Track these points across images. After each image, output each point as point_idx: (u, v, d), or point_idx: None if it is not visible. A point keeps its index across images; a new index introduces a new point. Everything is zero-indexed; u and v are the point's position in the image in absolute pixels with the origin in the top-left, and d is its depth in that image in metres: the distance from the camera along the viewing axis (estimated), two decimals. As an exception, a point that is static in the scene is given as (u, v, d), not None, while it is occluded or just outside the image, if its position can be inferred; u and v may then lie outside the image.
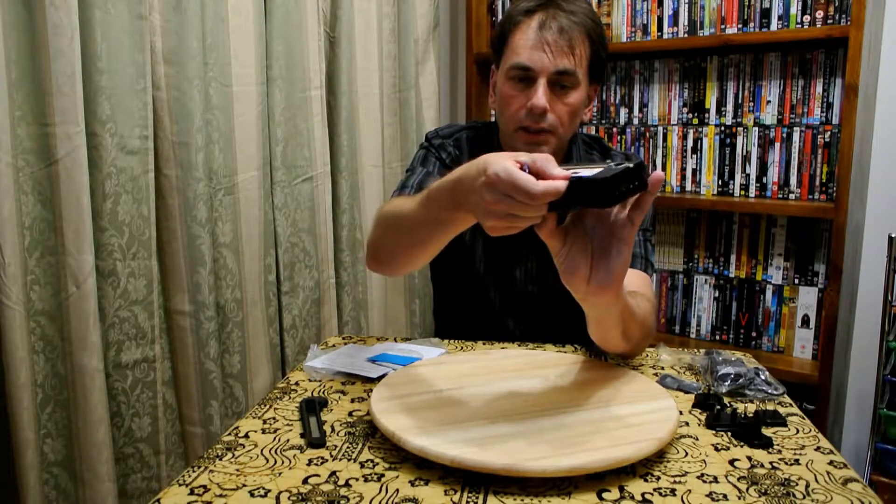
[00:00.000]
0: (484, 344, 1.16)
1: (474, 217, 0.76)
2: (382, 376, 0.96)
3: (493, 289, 1.25)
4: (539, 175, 0.69)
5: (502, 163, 0.70)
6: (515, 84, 1.11)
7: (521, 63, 1.09)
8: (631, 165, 0.69)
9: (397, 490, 0.68)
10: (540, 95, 1.08)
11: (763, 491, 0.68)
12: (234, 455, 0.76)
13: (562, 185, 0.68)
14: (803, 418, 0.87)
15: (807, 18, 1.70)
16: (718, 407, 0.85)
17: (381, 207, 1.07)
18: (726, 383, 0.94)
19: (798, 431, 0.83)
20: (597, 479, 0.69)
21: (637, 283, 1.09)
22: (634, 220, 0.74)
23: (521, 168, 0.70)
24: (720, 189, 1.88)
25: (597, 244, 0.76)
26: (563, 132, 1.13)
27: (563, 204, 0.70)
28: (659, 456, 0.75)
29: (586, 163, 0.73)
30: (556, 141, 1.13)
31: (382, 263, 1.07)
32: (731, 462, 0.74)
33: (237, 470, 0.73)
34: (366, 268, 1.81)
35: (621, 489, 0.68)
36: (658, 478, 0.71)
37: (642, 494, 0.67)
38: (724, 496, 0.67)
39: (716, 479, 0.70)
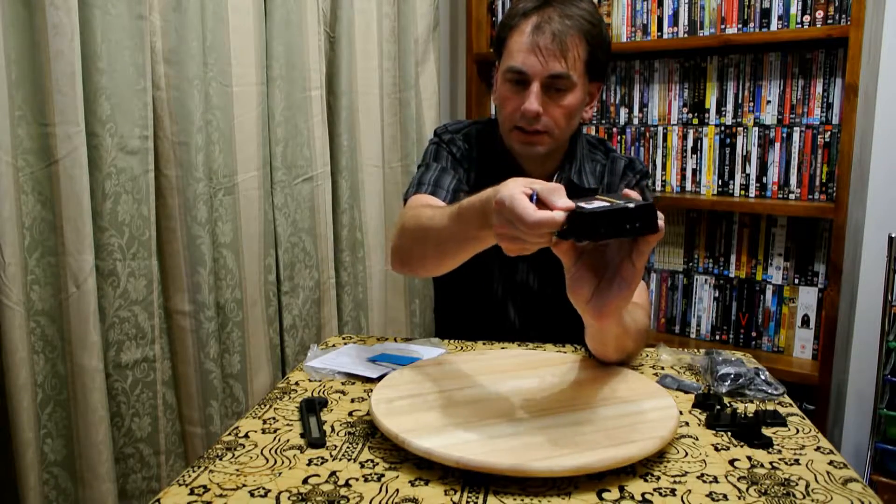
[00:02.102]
0: (484, 344, 1.16)
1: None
2: (382, 376, 0.96)
3: (495, 278, 1.26)
4: (545, 204, 0.72)
5: (510, 189, 0.73)
6: (511, 86, 1.13)
7: (516, 67, 1.11)
8: (631, 206, 0.70)
9: (397, 490, 0.68)
10: (532, 100, 1.10)
11: (763, 491, 0.68)
12: (234, 455, 0.76)
13: (559, 216, 0.70)
14: (803, 418, 0.87)
15: (807, 18, 1.70)
16: (718, 407, 0.85)
17: (406, 213, 1.08)
18: (726, 383, 0.94)
19: (798, 431, 0.83)
20: (596, 479, 0.69)
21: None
22: (636, 263, 0.76)
23: (531, 196, 0.72)
24: (720, 189, 1.88)
25: (608, 274, 0.78)
26: (558, 133, 1.15)
27: (566, 233, 0.72)
28: (659, 456, 0.75)
29: (611, 194, 0.74)
30: (551, 141, 1.15)
31: (409, 267, 1.08)
32: (731, 462, 0.74)
33: (237, 470, 0.73)
34: (366, 268, 1.81)
35: (621, 489, 0.68)
36: (658, 478, 0.71)
37: (642, 494, 0.67)
38: (724, 496, 0.67)
39: (716, 479, 0.70)
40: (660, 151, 1.95)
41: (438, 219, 0.93)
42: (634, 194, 0.75)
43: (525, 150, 1.16)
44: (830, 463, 0.75)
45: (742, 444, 0.79)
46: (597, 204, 0.71)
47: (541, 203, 0.72)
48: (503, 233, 0.75)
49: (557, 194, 0.72)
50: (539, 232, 0.71)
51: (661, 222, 0.72)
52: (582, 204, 0.72)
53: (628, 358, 1.03)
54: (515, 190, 0.72)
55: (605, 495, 0.67)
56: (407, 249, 1.05)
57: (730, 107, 1.84)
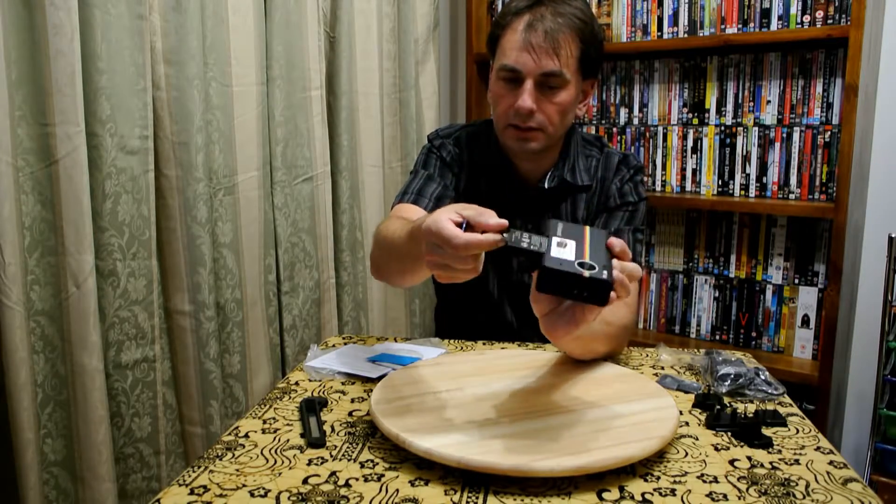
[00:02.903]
0: (484, 344, 1.16)
1: None
2: (382, 376, 0.96)
3: (491, 278, 1.27)
4: (477, 229, 0.73)
5: (436, 216, 0.74)
6: (505, 84, 1.15)
7: (509, 65, 1.12)
8: (586, 276, 0.69)
9: (397, 490, 0.68)
10: (525, 97, 1.11)
11: (763, 491, 0.68)
12: (234, 455, 0.76)
13: (488, 239, 0.71)
14: (803, 418, 0.87)
15: (807, 18, 1.70)
16: (718, 407, 0.85)
17: (381, 224, 1.11)
18: (726, 383, 0.94)
19: (798, 431, 0.83)
20: (597, 479, 0.69)
21: None
22: (586, 314, 0.75)
23: (460, 223, 0.73)
24: (720, 189, 1.88)
25: (566, 304, 0.78)
26: (552, 130, 1.16)
27: (525, 267, 0.72)
28: (659, 456, 0.75)
29: (598, 234, 0.73)
30: (544, 138, 1.16)
31: (382, 276, 1.12)
32: (731, 462, 0.74)
33: (237, 470, 0.73)
34: (366, 268, 1.82)
35: (621, 489, 0.68)
36: (658, 478, 0.71)
37: (642, 494, 0.67)
38: (724, 496, 0.67)
39: (716, 479, 0.70)
40: (660, 151, 1.95)
41: (398, 234, 0.94)
42: (620, 246, 0.74)
43: (519, 147, 1.17)
44: (830, 463, 0.75)
45: (742, 444, 0.79)
46: (567, 250, 0.71)
47: (472, 229, 0.73)
48: (431, 260, 0.75)
49: (487, 216, 0.73)
50: (466, 254, 0.71)
51: (613, 295, 0.71)
52: (556, 243, 0.72)
53: (602, 356, 1.02)
54: (442, 216, 0.73)
55: (605, 495, 0.67)
56: (377, 259, 1.09)
57: (730, 107, 1.84)
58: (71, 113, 1.10)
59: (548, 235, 0.74)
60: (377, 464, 0.74)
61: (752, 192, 1.83)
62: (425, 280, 1.90)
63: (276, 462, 0.75)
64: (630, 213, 1.23)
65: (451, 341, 1.17)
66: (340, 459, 0.75)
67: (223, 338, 1.44)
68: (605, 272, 0.70)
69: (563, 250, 0.71)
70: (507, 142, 1.18)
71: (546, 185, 1.22)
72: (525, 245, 0.72)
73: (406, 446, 0.73)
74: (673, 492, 0.68)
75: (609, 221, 1.23)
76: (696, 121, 1.89)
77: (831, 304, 1.64)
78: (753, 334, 1.86)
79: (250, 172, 1.48)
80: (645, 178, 1.92)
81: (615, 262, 0.72)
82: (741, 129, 1.83)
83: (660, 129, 1.94)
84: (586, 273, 0.69)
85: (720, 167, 1.87)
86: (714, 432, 0.82)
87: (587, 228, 0.77)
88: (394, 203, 1.22)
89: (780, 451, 0.77)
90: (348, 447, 0.78)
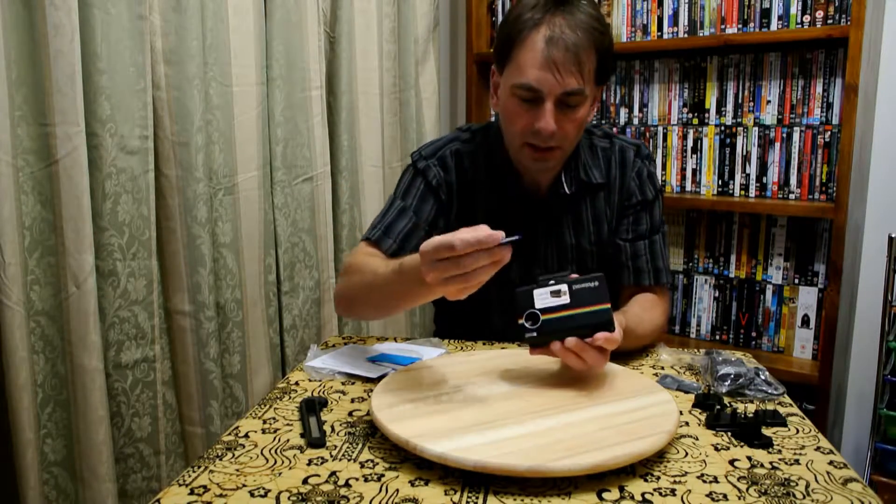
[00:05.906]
0: (484, 344, 1.16)
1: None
2: (382, 376, 0.96)
3: (491, 286, 1.26)
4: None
5: (428, 241, 0.80)
6: (521, 102, 1.08)
7: (529, 84, 1.05)
8: (526, 326, 0.89)
9: (397, 490, 0.68)
10: (548, 119, 1.06)
11: (763, 491, 0.68)
12: (234, 455, 0.76)
13: (493, 234, 0.77)
14: (803, 418, 0.87)
15: (807, 18, 1.70)
16: (718, 407, 0.85)
17: (352, 263, 1.13)
18: (726, 383, 0.94)
19: (798, 431, 0.83)
20: (597, 479, 0.69)
21: (640, 298, 1.19)
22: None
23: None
24: (720, 189, 1.88)
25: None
26: (569, 146, 1.13)
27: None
28: (659, 456, 0.75)
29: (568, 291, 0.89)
30: (562, 154, 1.14)
31: (356, 313, 1.17)
32: (731, 462, 0.74)
33: (237, 470, 0.73)
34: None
35: (621, 489, 0.68)
36: (658, 478, 0.71)
37: (642, 494, 0.67)
38: (724, 496, 0.67)
39: (716, 479, 0.70)
40: (660, 151, 1.95)
41: (381, 271, 0.99)
42: (602, 339, 0.87)
43: (536, 167, 1.14)
44: (830, 463, 0.75)
45: (742, 444, 0.79)
46: (554, 299, 0.89)
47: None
48: (435, 276, 0.79)
49: (480, 231, 0.78)
50: (472, 244, 0.76)
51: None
52: (556, 290, 0.89)
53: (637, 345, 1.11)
54: (434, 238, 0.78)
55: (605, 495, 0.67)
56: (350, 298, 1.11)
57: (730, 107, 1.84)
58: (71, 113, 1.10)
59: (566, 281, 0.88)
60: (377, 464, 0.74)
61: (752, 192, 1.83)
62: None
63: (276, 462, 0.75)
64: (650, 213, 1.23)
65: (451, 341, 1.17)
66: (340, 459, 0.75)
67: (223, 338, 1.44)
68: (539, 333, 0.88)
69: (550, 298, 0.88)
70: (522, 160, 1.14)
71: (568, 191, 1.19)
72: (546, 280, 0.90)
73: (419, 452, 0.72)
74: (673, 492, 0.68)
75: (636, 226, 1.22)
76: (696, 121, 1.89)
77: (831, 304, 1.64)
78: (753, 334, 1.86)
79: (250, 172, 1.48)
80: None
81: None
82: (741, 129, 1.83)
83: (660, 129, 1.94)
84: (527, 325, 0.89)
85: (720, 167, 1.87)
86: (714, 432, 0.82)
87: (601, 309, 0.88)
88: (363, 236, 1.19)
89: (780, 451, 0.77)
90: (348, 447, 0.78)
